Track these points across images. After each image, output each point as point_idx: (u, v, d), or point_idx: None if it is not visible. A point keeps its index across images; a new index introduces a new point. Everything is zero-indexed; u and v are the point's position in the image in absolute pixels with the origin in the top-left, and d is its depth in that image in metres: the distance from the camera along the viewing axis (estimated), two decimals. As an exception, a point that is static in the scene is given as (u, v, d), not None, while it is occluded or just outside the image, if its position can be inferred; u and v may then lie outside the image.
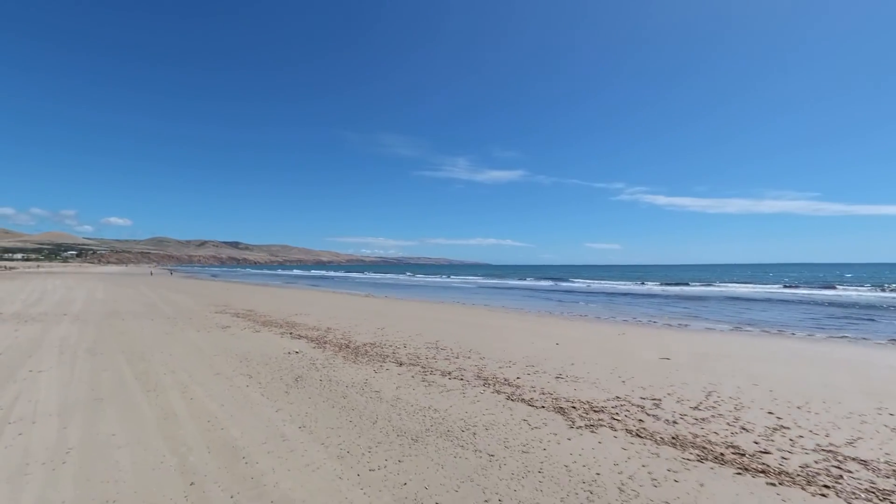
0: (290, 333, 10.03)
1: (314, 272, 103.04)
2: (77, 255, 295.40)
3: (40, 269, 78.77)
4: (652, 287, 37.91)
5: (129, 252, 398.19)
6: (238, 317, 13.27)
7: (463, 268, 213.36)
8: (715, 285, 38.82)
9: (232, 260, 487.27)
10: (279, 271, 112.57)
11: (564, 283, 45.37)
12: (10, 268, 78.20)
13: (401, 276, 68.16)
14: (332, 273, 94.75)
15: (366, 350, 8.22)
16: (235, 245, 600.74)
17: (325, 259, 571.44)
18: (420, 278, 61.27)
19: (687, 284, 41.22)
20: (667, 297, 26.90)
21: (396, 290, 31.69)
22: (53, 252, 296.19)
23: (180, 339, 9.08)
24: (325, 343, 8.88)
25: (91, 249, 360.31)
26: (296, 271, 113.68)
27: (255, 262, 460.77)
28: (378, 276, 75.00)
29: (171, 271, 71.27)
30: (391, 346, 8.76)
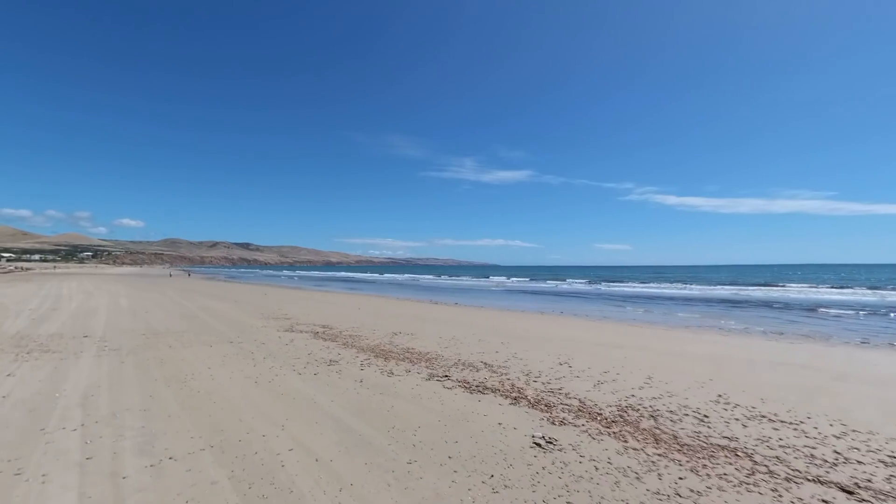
0: (448, 378, 6.07)
1: (334, 273, 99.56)
2: (93, 257, 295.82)
3: (56, 270, 75.98)
4: (736, 291, 33.49)
5: (143, 253, 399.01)
6: (322, 338, 9.37)
7: (482, 269, 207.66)
8: (800, 287, 34.28)
9: (243, 261, 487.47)
10: (295, 272, 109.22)
11: (613, 287, 41.04)
12: (27, 269, 75.48)
13: (428, 278, 64.12)
14: (352, 274, 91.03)
15: (669, 433, 4.22)
16: (246, 246, 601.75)
17: (333, 260, 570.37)
18: (452, 280, 57.22)
19: (765, 286, 36.67)
20: (799, 307, 22.60)
21: (453, 296, 27.71)
22: (70, 253, 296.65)
23: (287, 394, 5.14)
24: (548, 408, 4.89)
25: (106, 250, 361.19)
26: (308, 272, 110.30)
27: (266, 263, 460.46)
28: (402, 277, 71.05)
29: (189, 273, 67.87)
30: (676, 413, 4.75)
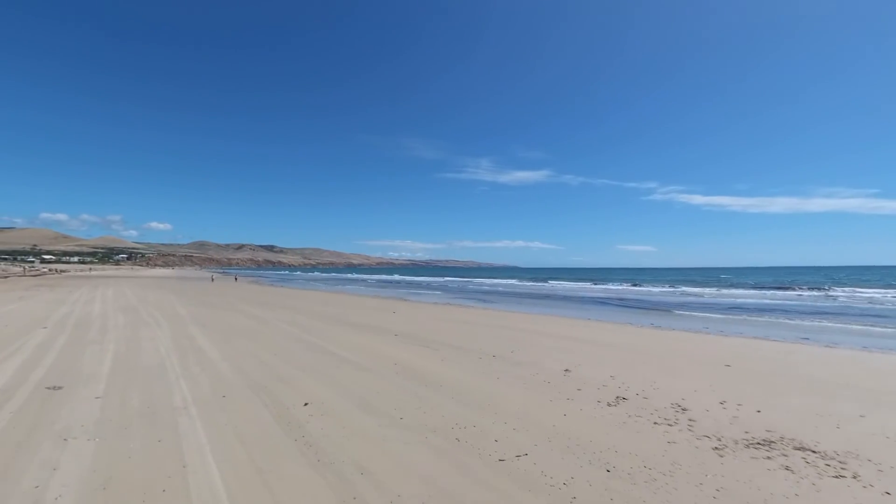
0: None
1: (382, 277, 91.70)
2: (127, 259, 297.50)
3: (91, 273, 69.76)
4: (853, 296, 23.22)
5: (173, 255, 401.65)
6: None
7: (514, 271, 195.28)
8: None
9: (268, 262, 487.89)
10: (341, 275, 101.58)
11: (762, 298, 31.12)
12: (61, 271, 69.35)
13: (500, 283, 54.95)
14: (410, 278, 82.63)
15: None
16: (270, 248, 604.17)
17: (355, 262, 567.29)
18: (531, 285, 48.01)
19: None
20: None
21: (566, 308, 18.63)
22: (106, 255, 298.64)
23: None
24: None
25: (140, 253, 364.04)
26: (357, 275, 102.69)
27: (290, 265, 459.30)
28: (447, 280, 62.03)
29: (236, 277, 59.91)
30: None
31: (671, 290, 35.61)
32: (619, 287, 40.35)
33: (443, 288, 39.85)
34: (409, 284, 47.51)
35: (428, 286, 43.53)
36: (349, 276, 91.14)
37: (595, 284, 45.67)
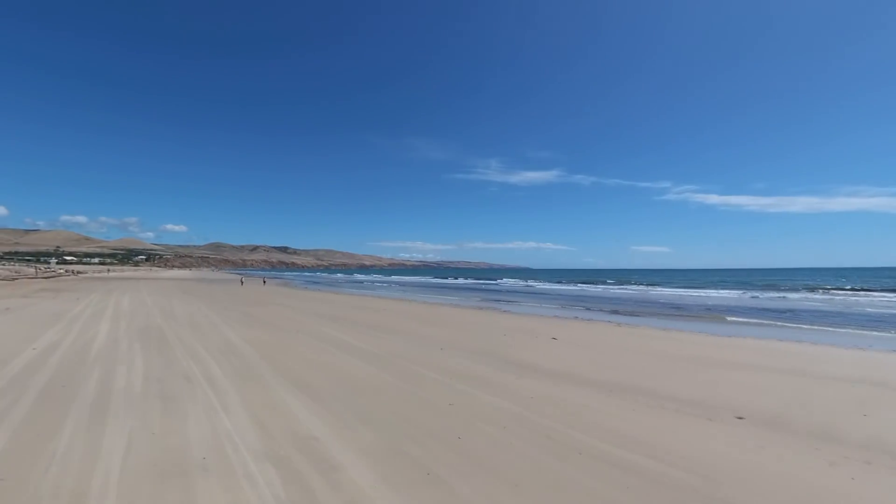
0: None
1: (401, 278, 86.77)
2: (146, 260, 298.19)
3: (110, 274, 65.96)
4: None
5: (190, 256, 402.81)
6: None
7: (532, 273, 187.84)
8: None
9: (281, 264, 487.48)
10: (369, 277, 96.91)
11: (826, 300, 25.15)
12: (79, 272, 65.57)
13: (544, 287, 49.41)
14: (417, 279, 77.53)
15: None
16: (284, 249, 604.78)
17: (367, 263, 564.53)
18: (585, 289, 42.41)
19: None
20: None
21: (750, 327, 13.13)
22: (126, 257, 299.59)
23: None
24: None
25: (158, 254, 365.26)
26: (391, 277, 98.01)
27: (303, 266, 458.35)
28: (479, 283, 56.57)
29: (264, 280, 54.64)
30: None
31: (813, 295, 29.49)
32: (732, 293, 32.70)
33: (503, 292, 34.49)
34: (457, 288, 42.21)
35: (486, 290, 38.09)
36: (368, 278, 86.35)
37: (707, 290, 36.83)
